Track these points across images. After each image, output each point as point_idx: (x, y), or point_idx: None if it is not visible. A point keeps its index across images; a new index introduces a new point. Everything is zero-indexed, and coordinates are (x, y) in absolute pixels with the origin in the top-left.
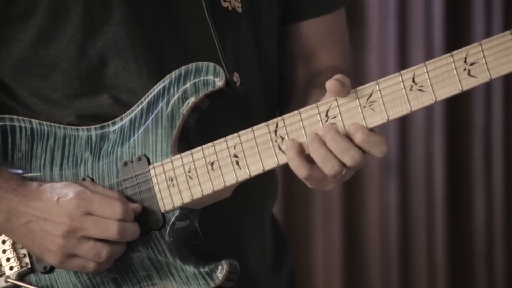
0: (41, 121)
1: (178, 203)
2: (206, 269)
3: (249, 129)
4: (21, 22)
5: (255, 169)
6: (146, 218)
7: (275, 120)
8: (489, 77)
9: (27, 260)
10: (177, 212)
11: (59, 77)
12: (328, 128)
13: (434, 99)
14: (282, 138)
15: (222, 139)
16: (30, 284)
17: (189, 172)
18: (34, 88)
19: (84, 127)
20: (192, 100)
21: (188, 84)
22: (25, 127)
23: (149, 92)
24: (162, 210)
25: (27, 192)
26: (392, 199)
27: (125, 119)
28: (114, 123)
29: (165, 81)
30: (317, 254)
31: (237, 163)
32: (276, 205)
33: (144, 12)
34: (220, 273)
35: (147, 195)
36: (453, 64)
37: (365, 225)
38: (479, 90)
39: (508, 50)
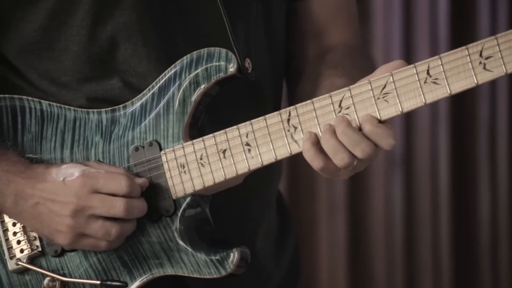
0: (51, 103)
1: (189, 190)
2: (217, 257)
3: (261, 118)
4: (31, 5)
5: (268, 159)
6: (157, 204)
7: (287, 109)
8: (505, 71)
9: (37, 243)
10: (188, 199)
11: (69, 60)
12: (340, 120)
13: (449, 92)
14: (295, 128)
15: (234, 127)
16: (41, 267)
17: (201, 159)
18: (44, 70)
19: (95, 110)
20: (204, 85)
21: (199, 70)
22: (35, 108)
23: (160, 77)
24: (174, 197)
25: (34, 174)
26: (397, 194)
27: (136, 104)
28: (125, 107)
29: (177, 66)
30: (321, 248)
31: (249, 151)
32: None
33: None
34: (232, 261)
35: (158, 180)
36: (468, 57)
37: (370, 219)
38: (484, 85)
39: None
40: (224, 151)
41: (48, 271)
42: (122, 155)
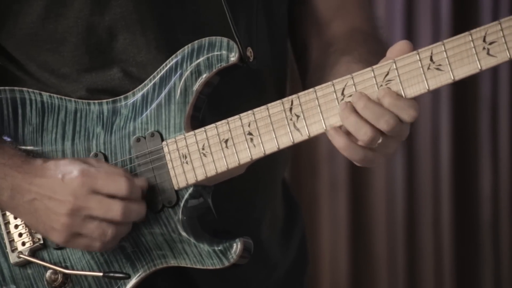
0: (52, 94)
1: (192, 180)
2: (220, 248)
3: (263, 107)
4: None
5: (270, 147)
6: (159, 195)
7: (290, 98)
8: (509, 57)
9: (39, 235)
10: (190, 189)
11: (68, 52)
12: (359, 96)
13: (453, 78)
14: (297, 116)
15: (236, 117)
16: (43, 260)
17: (203, 149)
18: (44, 62)
19: (96, 101)
20: (205, 75)
21: (201, 59)
22: (36, 99)
23: (161, 67)
24: (176, 188)
25: (32, 169)
26: (399, 171)
27: (137, 94)
28: (126, 98)
29: (178, 56)
30: (323, 226)
31: (252, 140)
32: None
33: None
34: (235, 252)
35: (161, 171)
36: (471, 43)
37: (371, 197)
38: None
39: None
40: (226, 141)
41: (50, 263)
42: (124, 146)
